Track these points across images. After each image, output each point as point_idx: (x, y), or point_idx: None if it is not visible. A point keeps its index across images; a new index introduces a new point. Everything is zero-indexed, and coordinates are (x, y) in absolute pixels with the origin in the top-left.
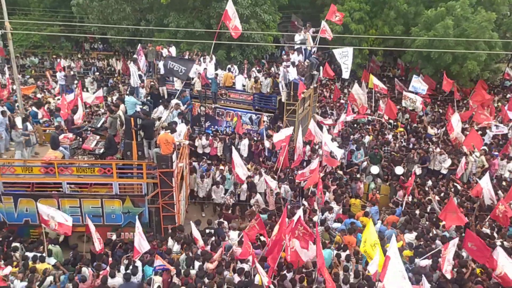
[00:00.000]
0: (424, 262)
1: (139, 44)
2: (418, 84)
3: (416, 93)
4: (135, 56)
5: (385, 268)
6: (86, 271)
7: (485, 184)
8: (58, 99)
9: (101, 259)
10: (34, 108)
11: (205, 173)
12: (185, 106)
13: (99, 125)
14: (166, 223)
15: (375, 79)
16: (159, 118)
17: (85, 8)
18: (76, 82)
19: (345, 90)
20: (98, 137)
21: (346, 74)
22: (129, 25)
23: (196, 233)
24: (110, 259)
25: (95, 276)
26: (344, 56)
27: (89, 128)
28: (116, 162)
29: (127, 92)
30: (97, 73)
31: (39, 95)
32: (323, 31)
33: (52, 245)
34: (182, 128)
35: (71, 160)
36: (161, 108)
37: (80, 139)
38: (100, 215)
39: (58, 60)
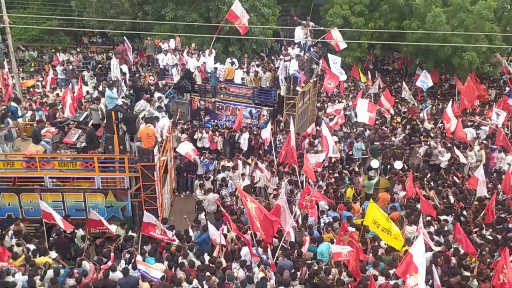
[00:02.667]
0: (427, 255)
1: (124, 37)
2: (424, 78)
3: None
4: (116, 50)
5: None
6: (87, 264)
7: (480, 175)
8: (58, 94)
9: (102, 253)
10: (13, 104)
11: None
12: (168, 99)
13: (81, 119)
14: None
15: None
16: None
17: (83, 2)
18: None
19: (345, 85)
20: (80, 131)
21: (343, 77)
22: (127, 19)
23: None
24: (112, 254)
25: (98, 269)
26: (334, 63)
27: (71, 122)
28: (98, 156)
29: (106, 86)
30: (100, 66)
31: (38, 90)
32: (330, 36)
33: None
34: (165, 121)
35: (53, 154)
36: (142, 101)
37: (63, 133)
38: (83, 209)
39: (57, 54)
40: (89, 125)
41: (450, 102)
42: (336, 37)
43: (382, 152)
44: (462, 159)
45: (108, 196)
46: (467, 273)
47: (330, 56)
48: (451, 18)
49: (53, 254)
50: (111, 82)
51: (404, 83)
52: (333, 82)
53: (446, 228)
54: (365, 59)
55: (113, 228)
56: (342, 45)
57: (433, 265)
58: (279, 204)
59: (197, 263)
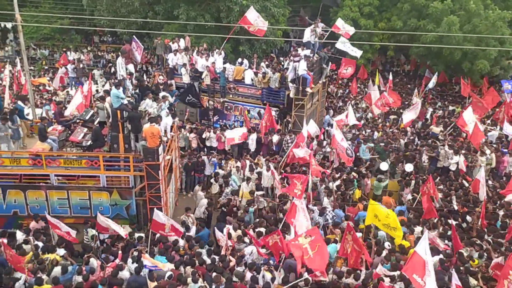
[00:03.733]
0: (434, 258)
1: (133, 36)
2: (435, 80)
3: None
4: (123, 49)
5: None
6: (94, 262)
7: (481, 178)
8: (68, 92)
9: (110, 252)
10: (20, 103)
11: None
12: (173, 98)
13: (87, 118)
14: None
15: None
16: (146, 111)
17: (95, 1)
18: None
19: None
20: (86, 129)
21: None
22: (137, 18)
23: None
24: (120, 252)
25: (104, 267)
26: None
27: (77, 120)
28: (103, 154)
29: (113, 85)
30: (110, 64)
31: (48, 88)
32: (337, 28)
33: (91, 229)
34: (168, 121)
35: (58, 152)
36: (148, 100)
37: (69, 131)
38: (88, 207)
39: (68, 53)
40: (95, 123)
41: (470, 108)
42: (343, 25)
43: (390, 154)
44: (461, 166)
45: (113, 194)
46: (474, 280)
47: (341, 39)
48: (464, 23)
49: (61, 251)
50: (117, 81)
51: (416, 90)
52: (350, 68)
53: (449, 233)
54: (373, 60)
55: (122, 232)
56: (351, 31)
57: (452, 269)
58: (294, 204)
59: (208, 261)
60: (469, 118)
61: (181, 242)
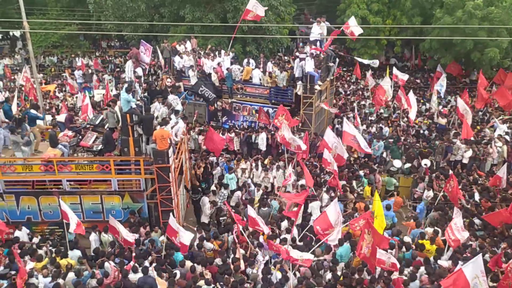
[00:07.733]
0: (445, 263)
1: (141, 40)
2: (443, 83)
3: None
4: (130, 53)
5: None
6: (109, 265)
7: (502, 174)
8: (76, 97)
9: (123, 255)
10: (33, 111)
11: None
12: (181, 100)
13: (97, 122)
14: (165, 217)
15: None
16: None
17: (101, 6)
18: (94, 79)
19: (362, 82)
20: (96, 134)
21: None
22: (144, 21)
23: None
24: (134, 254)
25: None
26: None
27: (87, 125)
28: (114, 158)
29: (125, 90)
30: (118, 69)
31: (58, 94)
32: (347, 27)
33: (103, 234)
34: (180, 124)
35: (70, 157)
36: (156, 104)
37: (80, 136)
38: (100, 211)
39: (77, 59)
40: (105, 127)
41: (459, 98)
42: (353, 24)
43: (405, 152)
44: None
45: (125, 198)
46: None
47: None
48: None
49: (76, 252)
50: (128, 86)
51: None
52: None
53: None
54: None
55: (131, 238)
56: (358, 30)
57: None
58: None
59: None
60: (464, 108)
61: (209, 246)
